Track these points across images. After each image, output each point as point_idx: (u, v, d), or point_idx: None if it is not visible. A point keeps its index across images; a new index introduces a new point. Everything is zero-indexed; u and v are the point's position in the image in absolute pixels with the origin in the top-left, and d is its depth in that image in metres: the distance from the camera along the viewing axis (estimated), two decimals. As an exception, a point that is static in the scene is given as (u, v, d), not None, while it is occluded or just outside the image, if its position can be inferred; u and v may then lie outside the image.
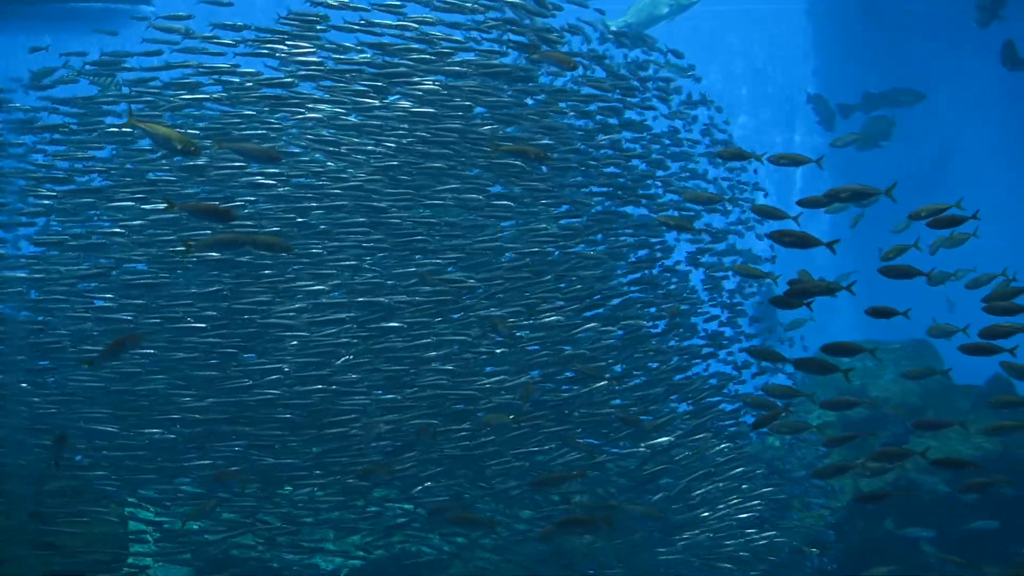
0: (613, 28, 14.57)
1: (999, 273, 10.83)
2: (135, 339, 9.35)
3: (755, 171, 14.30)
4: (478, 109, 11.23)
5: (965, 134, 20.95)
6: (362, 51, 11.10)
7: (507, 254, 11.28)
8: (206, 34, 11.17)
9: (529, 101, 11.62)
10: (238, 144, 10.16)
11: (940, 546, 12.29)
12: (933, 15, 19.81)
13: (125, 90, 11.28)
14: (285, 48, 10.93)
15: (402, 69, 10.98)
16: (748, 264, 13.82)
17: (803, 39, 23.19)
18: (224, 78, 10.99)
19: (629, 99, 12.24)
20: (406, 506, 11.39)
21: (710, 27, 18.02)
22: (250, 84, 10.92)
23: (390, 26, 11.12)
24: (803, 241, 9.56)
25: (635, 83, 12.58)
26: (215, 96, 10.96)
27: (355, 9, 11.11)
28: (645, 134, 12.55)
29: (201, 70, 10.98)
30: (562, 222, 11.68)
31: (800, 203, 10.17)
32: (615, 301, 11.86)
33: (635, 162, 12.33)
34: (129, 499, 11.03)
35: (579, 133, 11.87)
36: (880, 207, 10.47)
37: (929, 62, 20.10)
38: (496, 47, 11.41)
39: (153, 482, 10.94)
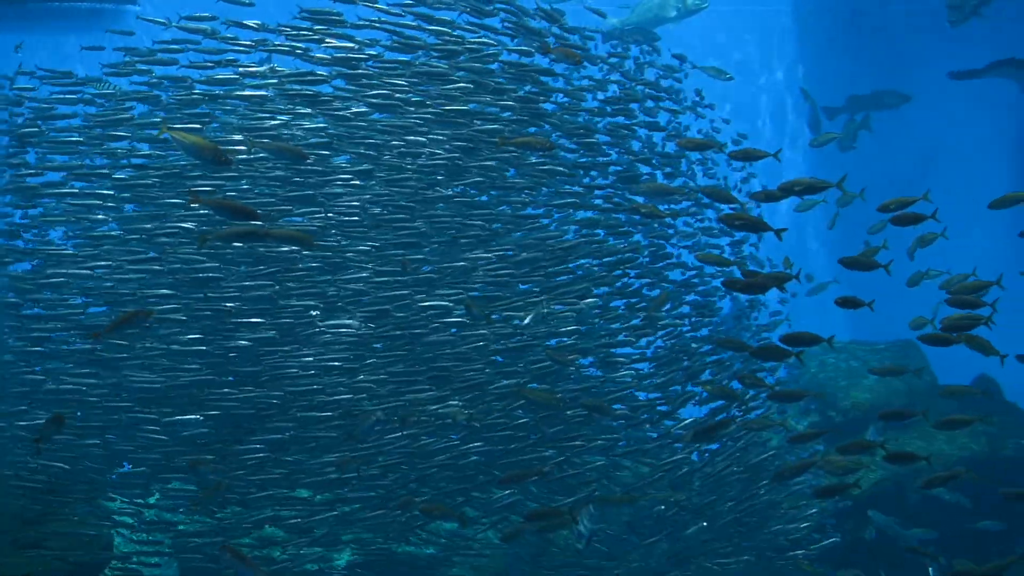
0: (614, 22, 14.80)
1: (970, 273, 10.93)
2: (144, 315, 9.30)
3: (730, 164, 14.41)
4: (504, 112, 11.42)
5: (957, 134, 21.08)
6: (373, 46, 11.17)
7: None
8: (228, 35, 11.22)
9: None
10: (270, 143, 10.27)
11: (942, 548, 12.26)
12: (920, 15, 19.90)
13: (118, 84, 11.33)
14: (317, 45, 11.04)
15: (440, 68, 11.16)
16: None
17: (790, 41, 23.29)
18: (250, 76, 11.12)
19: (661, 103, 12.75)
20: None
21: (699, 27, 18.07)
22: (275, 81, 11.03)
23: (409, 26, 11.26)
24: (753, 225, 9.89)
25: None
26: (255, 94, 11.04)
27: (378, 9, 11.21)
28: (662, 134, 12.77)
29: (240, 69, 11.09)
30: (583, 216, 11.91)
31: (752, 196, 10.57)
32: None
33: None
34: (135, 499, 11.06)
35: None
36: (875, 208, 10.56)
37: (918, 63, 20.18)
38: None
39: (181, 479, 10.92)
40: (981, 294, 10.06)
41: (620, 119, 12.33)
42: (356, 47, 11.03)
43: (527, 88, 11.48)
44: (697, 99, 14.24)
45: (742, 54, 23.28)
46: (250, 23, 11.11)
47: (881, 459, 10.59)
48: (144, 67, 11.27)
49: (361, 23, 11.15)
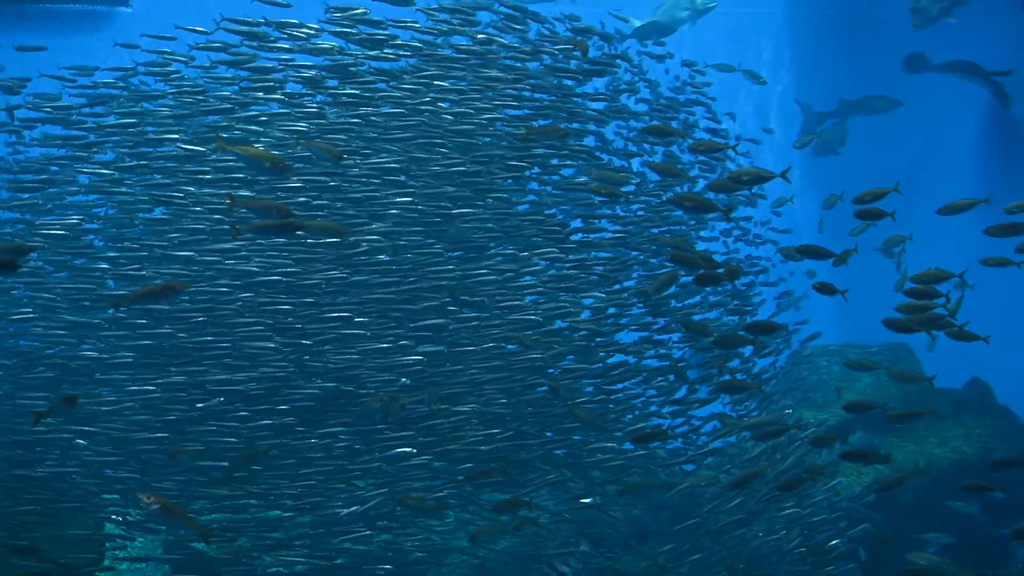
0: (636, 25, 15.08)
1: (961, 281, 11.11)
2: (176, 288, 9.15)
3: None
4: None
5: (950, 136, 21.10)
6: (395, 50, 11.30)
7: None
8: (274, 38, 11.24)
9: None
10: (313, 142, 10.38)
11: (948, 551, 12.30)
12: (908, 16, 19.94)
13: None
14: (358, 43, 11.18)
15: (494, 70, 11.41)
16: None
17: (782, 44, 23.30)
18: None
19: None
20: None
21: (696, 30, 18.13)
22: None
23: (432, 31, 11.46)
24: (703, 207, 10.31)
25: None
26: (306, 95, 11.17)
27: (413, 8, 11.42)
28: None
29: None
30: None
31: (709, 186, 10.87)
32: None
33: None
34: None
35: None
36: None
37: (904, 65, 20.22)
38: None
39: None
40: (961, 287, 10.27)
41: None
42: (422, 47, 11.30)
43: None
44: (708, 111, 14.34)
45: (736, 57, 23.28)
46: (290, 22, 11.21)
47: (839, 457, 10.80)
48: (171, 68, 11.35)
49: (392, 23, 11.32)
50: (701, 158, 12.61)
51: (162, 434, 10.55)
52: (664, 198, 12.00)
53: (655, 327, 11.98)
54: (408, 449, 10.67)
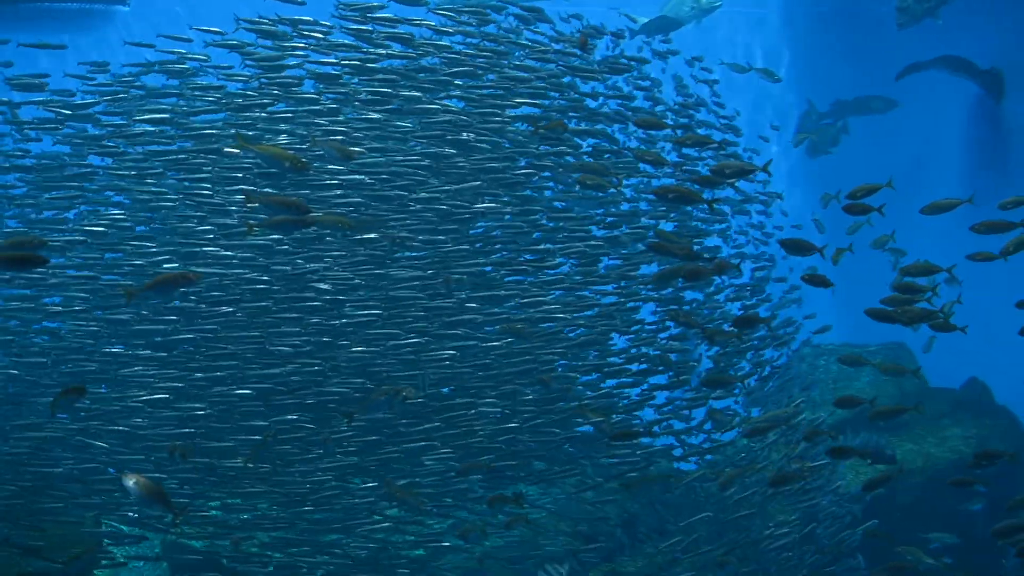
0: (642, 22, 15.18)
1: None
2: (189, 278, 9.06)
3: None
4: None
5: (948, 135, 21.17)
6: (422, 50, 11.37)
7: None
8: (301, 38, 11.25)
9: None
10: (327, 140, 10.38)
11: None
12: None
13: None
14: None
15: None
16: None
17: (781, 44, 23.35)
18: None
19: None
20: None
21: (688, 29, 18.19)
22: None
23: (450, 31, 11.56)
24: (687, 198, 10.38)
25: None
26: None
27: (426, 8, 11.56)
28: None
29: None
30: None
31: (695, 181, 10.99)
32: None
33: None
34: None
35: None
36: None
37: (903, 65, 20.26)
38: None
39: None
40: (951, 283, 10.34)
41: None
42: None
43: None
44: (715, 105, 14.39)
45: (733, 56, 23.33)
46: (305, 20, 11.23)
47: (825, 453, 10.87)
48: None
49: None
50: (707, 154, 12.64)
51: (187, 429, 10.56)
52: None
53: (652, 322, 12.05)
54: (424, 442, 10.71)
